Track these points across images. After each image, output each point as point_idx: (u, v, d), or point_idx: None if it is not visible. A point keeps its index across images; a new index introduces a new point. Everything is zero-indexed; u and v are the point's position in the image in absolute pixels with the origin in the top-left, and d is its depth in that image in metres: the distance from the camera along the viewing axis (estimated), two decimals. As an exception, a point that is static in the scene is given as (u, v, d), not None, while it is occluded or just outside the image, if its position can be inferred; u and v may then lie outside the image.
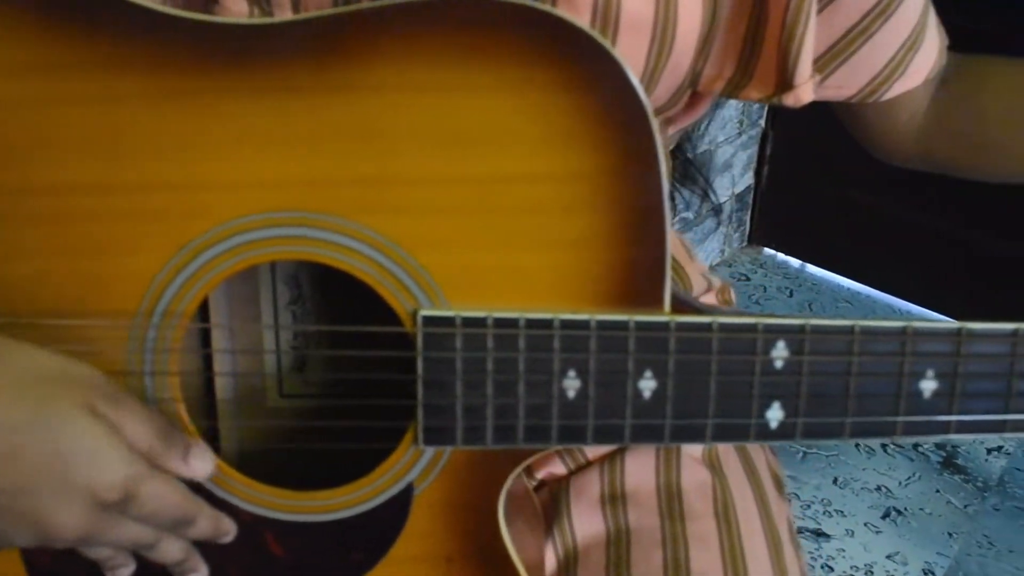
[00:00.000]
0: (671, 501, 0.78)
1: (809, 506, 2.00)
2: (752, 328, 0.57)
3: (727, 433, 0.59)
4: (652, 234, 0.57)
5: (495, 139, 0.56)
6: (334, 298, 0.71)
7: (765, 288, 2.62)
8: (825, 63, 0.76)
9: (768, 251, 2.77)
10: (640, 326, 0.57)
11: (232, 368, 0.70)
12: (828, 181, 2.58)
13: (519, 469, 0.61)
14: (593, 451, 0.81)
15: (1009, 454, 2.14)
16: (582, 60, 0.55)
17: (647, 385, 0.57)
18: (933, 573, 1.88)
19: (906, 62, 0.78)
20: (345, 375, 0.69)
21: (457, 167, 0.57)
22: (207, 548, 0.64)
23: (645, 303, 0.58)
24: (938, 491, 2.05)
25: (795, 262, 2.74)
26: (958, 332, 0.57)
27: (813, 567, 1.87)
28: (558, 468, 0.82)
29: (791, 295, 2.60)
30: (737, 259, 2.73)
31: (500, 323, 0.57)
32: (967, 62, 0.85)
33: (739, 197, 2.66)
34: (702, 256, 2.61)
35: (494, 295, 0.58)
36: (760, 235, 2.77)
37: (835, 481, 2.06)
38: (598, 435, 0.59)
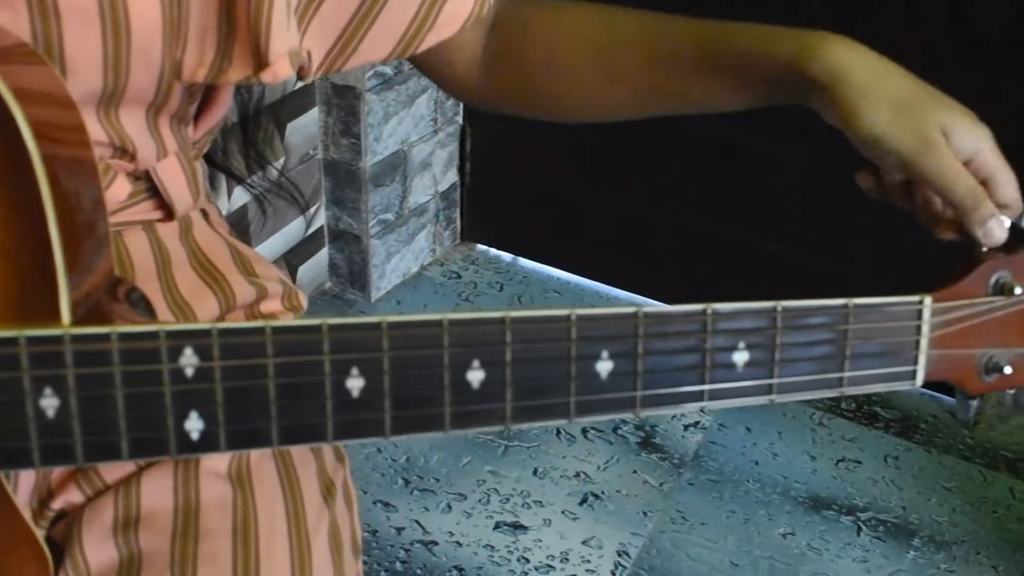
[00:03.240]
0: (187, 520, 0.75)
1: (508, 500, 2.00)
2: (155, 336, 0.53)
3: (146, 448, 0.55)
4: (31, 243, 0.53)
5: None
6: None
7: (476, 284, 2.62)
8: (352, 32, 0.77)
9: (481, 247, 2.78)
10: (32, 340, 0.52)
11: None
12: (531, 173, 2.60)
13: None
14: (110, 475, 0.77)
15: (705, 429, 2.20)
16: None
17: (50, 403, 0.53)
18: (627, 554, 1.91)
19: (433, 14, 0.79)
20: None
21: None
22: None
23: (41, 316, 0.54)
24: (635, 471, 2.09)
25: (507, 256, 2.75)
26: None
27: (509, 561, 1.87)
28: (75, 496, 0.77)
29: (501, 289, 2.61)
30: (450, 257, 2.73)
31: None
32: (515, 7, 0.87)
33: (444, 195, 2.65)
34: (411, 257, 2.60)
35: None
36: (471, 232, 2.77)
37: (535, 472, 2.07)
38: (4, 461, 0.54)
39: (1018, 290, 0.65)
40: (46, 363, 0.53)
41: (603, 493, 2.03)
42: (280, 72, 0.72)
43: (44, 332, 0.53)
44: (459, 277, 2.65)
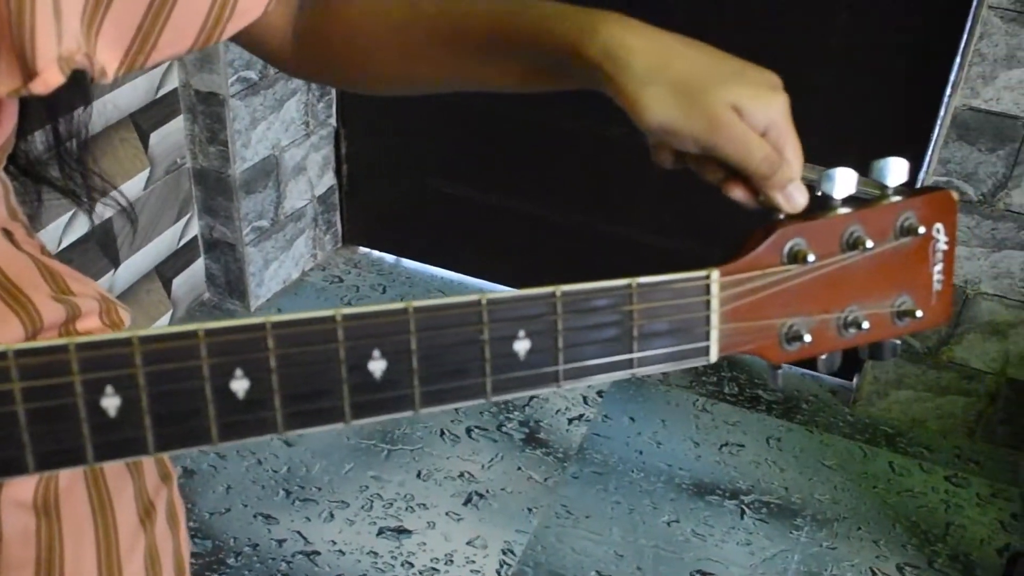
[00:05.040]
0: None
1: (391, 504, 1.97)
2: None
3: None
4: None
5: None
6: None
7: (358, 288, 2.59)
8: (149, 28, 0.74)
9: (363, 249, 2.75)
10: None
11: None
12: (409, 173, 2.58)
13: None
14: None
15: (589, 421, 2.19)
16: None
17: None
18: (512, 551, 1.89)
19: (232, 2, 0.77)
20: None
21: None
22: None
23: None
24: (520, 468, 2.07)
25: (390, 258, 2.72)
26: (129, 341, 0.52)
27: (393, 566, 1.85)
28: None
29: (384, 291, 2.58)
30: (331, 261, 2.69)
31: None
32: None
33: (322, 199, 2.61)
34: (291, 263, 2.56)
35: None
36: (352, 235, 2.74)
37: (419, 474, 2.05)
38: None
39: (811, 257, 0.64)
40: None
41: (488, 492, 2.02)
42: (51, 80, 0.69)
43: None
44: (341, 281, 2.62)
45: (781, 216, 0.66)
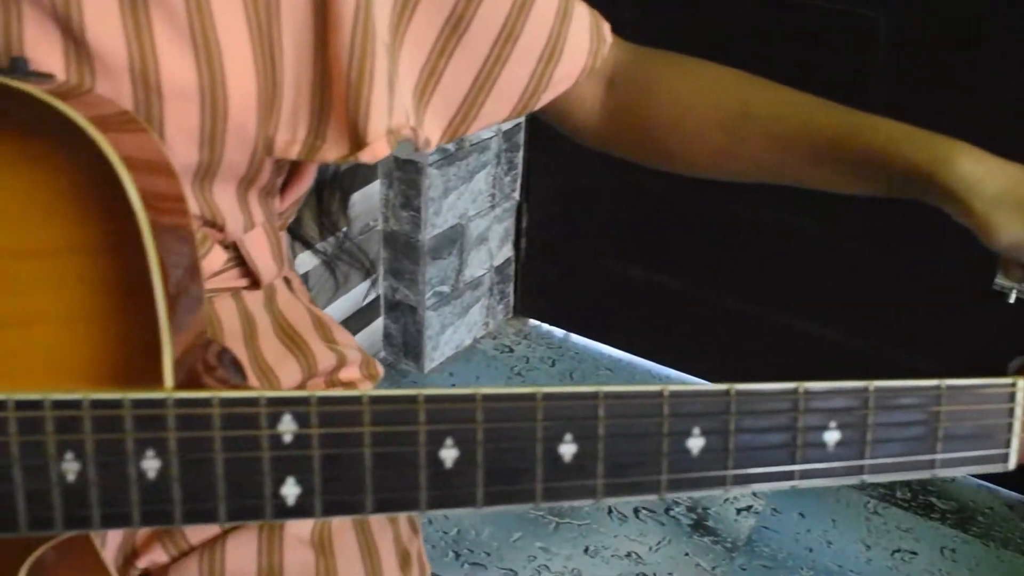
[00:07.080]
0: None
1: (559, 577, 1.99)
2: (255, 402, 0.54)
3: (242, 512, 0.56)
4: (140, 311, 0.54)
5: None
6: None
7: (528, 359, 2.63)
8: (473, 100, 0.80)
9: (533, 322, 2.79)
10: (136, 403, 0.53)
11: None
12: (586, 251, 2.61)
13: (33, 557, 0.58)
14: (195, 536, 0.78)
15: (758, 513, 2.17)
16: (51, 135, 0.53)
17: (151, 465, 0.54)
18: (678, 637, 1.88)
19: (549, 72, 0.82)
20: None
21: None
22: None
23: (144, 380, 0.55)
24: (687, 554, 2.07)
25: (559, 332, 2.75)
26: (474, 397, 0.56)
27: (559, 639, 1.85)
28: (160, 556, 0.78)
29: (553, 365, 2.61)
30: (502, 331, 2.73)
31: (-15, 407, 0.53)
32: (637, 64, 0.88)
33: (499, 269, 2.67)
34: (464, 330, 2.61)
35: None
36: (524, 306, 2.78)
37: (586, 550, 2.06)
38: (105, 520, 0.55)
39: None
40: (149, 426, 0.54)
41: (655, 575, 2.01)
42: (379, 152, 0.73)
43: (148, 395, 0.54)
44: (511, 351, 2.66)
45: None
